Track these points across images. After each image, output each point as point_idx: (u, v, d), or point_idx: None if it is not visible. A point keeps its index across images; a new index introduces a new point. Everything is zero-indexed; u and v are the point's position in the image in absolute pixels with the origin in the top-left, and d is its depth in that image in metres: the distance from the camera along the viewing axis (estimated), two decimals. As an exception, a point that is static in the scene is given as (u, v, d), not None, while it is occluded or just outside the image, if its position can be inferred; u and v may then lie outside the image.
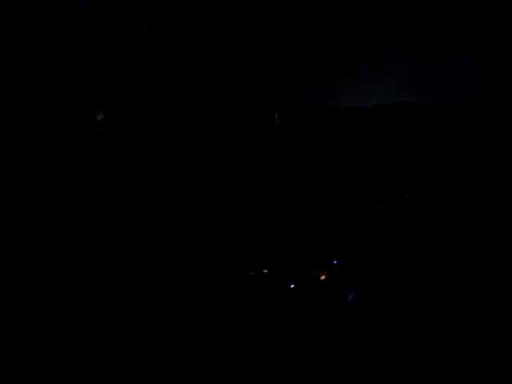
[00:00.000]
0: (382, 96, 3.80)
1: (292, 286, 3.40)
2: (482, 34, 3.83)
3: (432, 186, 3.79)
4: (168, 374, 2.82)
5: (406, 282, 3.44)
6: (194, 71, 4.01)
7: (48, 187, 3.58)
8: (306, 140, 3.93)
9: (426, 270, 3.49)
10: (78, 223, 3.56)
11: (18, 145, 3.69)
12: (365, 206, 3.83)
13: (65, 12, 3.84)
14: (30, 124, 3.75)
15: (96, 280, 3.39)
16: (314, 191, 3.92)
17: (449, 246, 3.61)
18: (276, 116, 3.95)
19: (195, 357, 2.94)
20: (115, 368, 2.77)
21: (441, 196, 3.78)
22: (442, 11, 3.78)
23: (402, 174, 3.87)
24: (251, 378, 2.86)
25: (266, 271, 3.51)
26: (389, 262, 3.55)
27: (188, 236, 3.70)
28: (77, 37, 3.88)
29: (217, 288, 3.44)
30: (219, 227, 3.77)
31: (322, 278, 3.46)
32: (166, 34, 3.98)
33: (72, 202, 3.60)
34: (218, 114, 3.94)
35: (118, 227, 3.69)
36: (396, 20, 3.83)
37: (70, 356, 2.78)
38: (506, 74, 3.76)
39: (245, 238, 3.72)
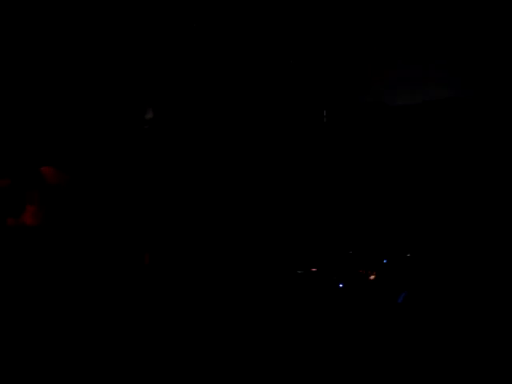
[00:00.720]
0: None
1: (341, 285, 3.37)
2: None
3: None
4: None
5: (460, 283, 3.35)
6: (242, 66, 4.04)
7: (107, 189, 3.64)
8: (356, 137, 3.89)
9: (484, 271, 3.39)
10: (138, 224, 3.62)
11: (75, 147, 3.79)
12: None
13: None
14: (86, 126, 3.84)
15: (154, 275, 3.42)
16: (365, 188, 3.88)
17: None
18: (325, 113, 3.93)
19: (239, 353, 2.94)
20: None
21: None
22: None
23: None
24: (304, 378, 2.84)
25: (314, 270, 3.49)
26: (443, 261, 3.47)
27: (238, 232, 3.72)
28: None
29: (266, 286, 3.44)
30: (268, 224, 3.78)
31: (372, 277, 3.41)
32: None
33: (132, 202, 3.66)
34: (268, 112, 3.95)
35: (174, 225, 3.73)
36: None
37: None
38: None
39: (293, 236, 3.71)
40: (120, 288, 3.27)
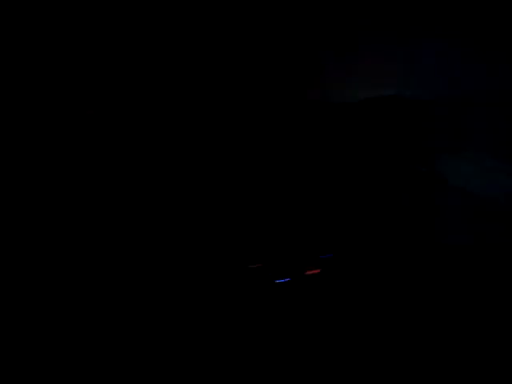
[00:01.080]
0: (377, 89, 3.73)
1: (284, 280, 3.43)
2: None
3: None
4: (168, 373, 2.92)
5: (407, 279, 3.40)
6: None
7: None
8: (300, 134, 3.91)
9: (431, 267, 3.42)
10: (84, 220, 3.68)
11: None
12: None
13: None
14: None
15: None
16: (312, 184, 3.90)
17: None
18: (273, 111, 3.94)
19: (194, 355, 3.00)
20: (116, 367, 2.86)
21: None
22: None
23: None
24: (251, 378, 2.94)
25: (258, 265, 3.56)
26: (389, 256, 3.51)
27: (182, 232, 3.77)
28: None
29: (214, 282, 3.51)
30: (216, 222, 3.83)
31: (315, 271, 3.48)
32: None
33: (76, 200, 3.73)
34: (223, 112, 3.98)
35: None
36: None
37: (70, 356, 2.87)
38: None
39: (239, 232, 3.76)
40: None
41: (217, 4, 3.98)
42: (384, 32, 3.81)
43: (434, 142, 3.74)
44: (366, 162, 3.85)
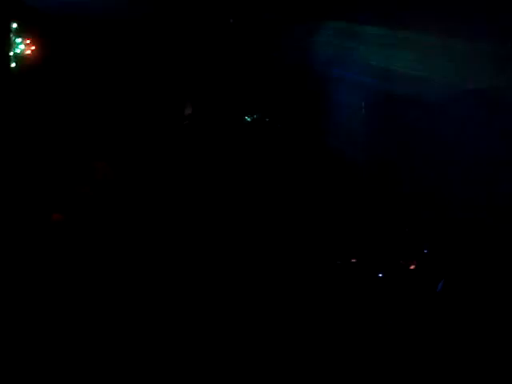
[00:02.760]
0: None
1: (380, 275, 3.38)
2: None
3: None
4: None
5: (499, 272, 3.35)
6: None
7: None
8: None
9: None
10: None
11: (118, 139, 3.85)
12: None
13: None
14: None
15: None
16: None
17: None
18: None
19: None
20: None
21: None
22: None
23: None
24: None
25: (354, 260, 3.50)
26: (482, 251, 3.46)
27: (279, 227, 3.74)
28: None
29: (304, 278, 3.45)
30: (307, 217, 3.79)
31: (412, 267, 3.43)
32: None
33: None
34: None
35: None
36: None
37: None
38: None
39: (334, 227, 3.73)
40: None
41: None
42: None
43: None
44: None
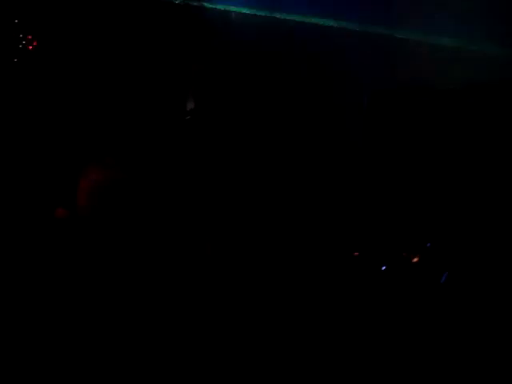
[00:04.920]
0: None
1: (383, 268, 3.37)
2: None
3: None
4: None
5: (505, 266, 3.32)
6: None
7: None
8: None
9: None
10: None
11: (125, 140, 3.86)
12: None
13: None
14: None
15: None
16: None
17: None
18: None
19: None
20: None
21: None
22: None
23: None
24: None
25: (356, 254, 3.49)
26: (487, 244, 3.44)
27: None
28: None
29: (306, 271, 3.45)
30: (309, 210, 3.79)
31: (415, 260, 3.41)
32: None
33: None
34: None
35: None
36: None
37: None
38: None
39: (335, 219, 3.71)
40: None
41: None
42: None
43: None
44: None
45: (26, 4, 4.13)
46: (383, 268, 3.34)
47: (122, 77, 4.13)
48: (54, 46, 4.10)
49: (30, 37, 4.11)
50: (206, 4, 4.43)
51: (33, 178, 3.74)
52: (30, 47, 4.12)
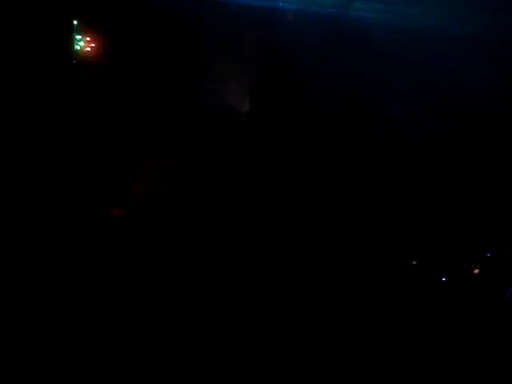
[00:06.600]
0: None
1: (444, 279, 3.29)
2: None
3: None
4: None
5: None
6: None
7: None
8: None
9: None
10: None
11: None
12: None
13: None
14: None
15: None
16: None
17: None
18: None
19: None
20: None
21: None
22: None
23: None
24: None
25: (415, 263, 3.43)
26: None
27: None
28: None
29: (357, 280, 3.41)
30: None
31: (476, 271, 3.32)
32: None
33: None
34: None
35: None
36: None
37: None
38: None
39: (394, 229, 3.66)
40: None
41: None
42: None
43: None
44: None
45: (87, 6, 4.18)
46: (444, 279, 3.27)
47: (182, 80, 4.15)
48: (116, 49, 4.14)
49: (89, 39, 4.16)
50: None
51: (91, 179, 3.80)
52: (90, 49, 4.17)
